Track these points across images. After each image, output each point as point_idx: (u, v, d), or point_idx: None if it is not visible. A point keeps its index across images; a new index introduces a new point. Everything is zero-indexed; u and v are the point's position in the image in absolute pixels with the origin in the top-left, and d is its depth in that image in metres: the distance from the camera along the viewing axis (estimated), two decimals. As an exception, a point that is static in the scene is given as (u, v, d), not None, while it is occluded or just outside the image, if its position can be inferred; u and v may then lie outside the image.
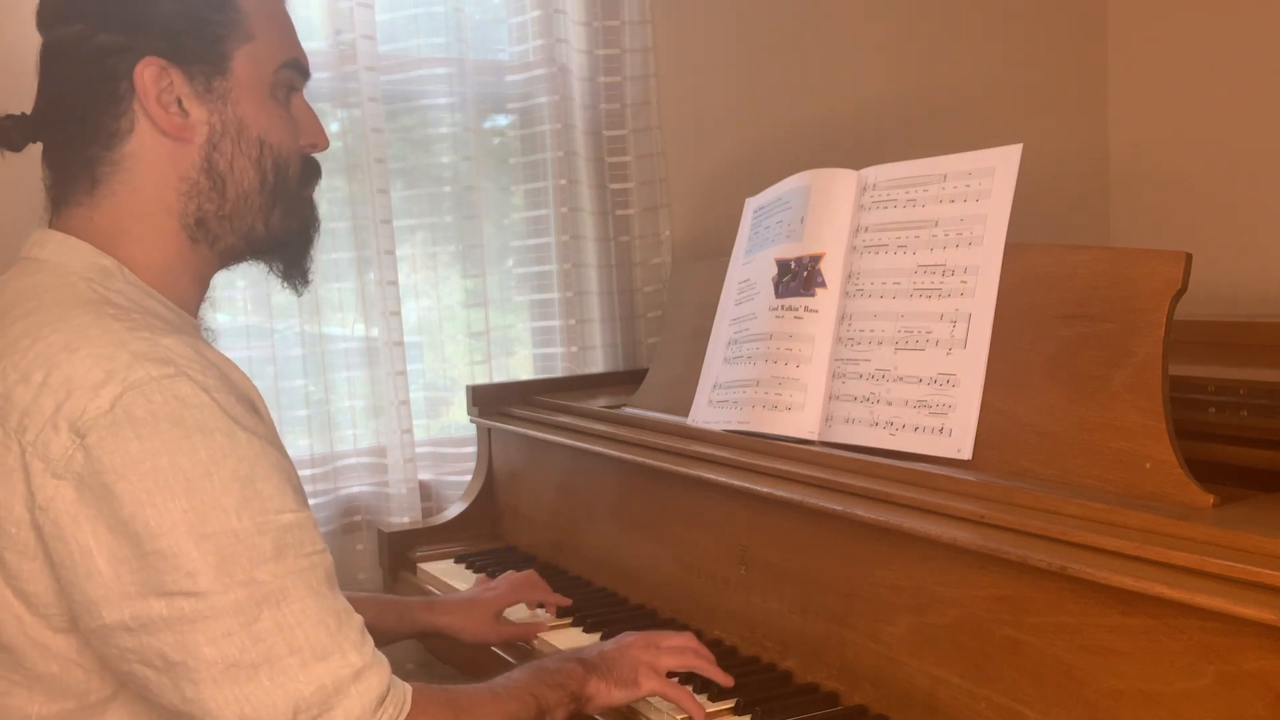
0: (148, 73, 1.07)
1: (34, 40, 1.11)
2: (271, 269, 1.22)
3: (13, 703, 1.01)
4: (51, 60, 1.11)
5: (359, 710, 0.98)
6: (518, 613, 1.64)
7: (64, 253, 1.08)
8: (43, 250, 1.09)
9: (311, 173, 1.21)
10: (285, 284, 1.23)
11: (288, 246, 1.20)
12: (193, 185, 1.11)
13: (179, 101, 1.09)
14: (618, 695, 1.25)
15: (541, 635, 1.56)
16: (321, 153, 1.22)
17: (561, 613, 1.63)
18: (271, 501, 0.98)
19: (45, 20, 1.11)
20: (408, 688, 1.04)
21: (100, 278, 1.06)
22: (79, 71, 1.09)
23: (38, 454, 0.95)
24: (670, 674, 1.30)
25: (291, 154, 1.16)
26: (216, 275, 1.20)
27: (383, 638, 1.53)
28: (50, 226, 1.12)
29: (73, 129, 1.10)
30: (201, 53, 1.09)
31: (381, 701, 1.00)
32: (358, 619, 1.03)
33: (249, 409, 1.03)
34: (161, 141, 1.09)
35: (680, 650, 1.31)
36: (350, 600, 1.49)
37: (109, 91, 1.08)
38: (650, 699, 1.29)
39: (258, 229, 1.16)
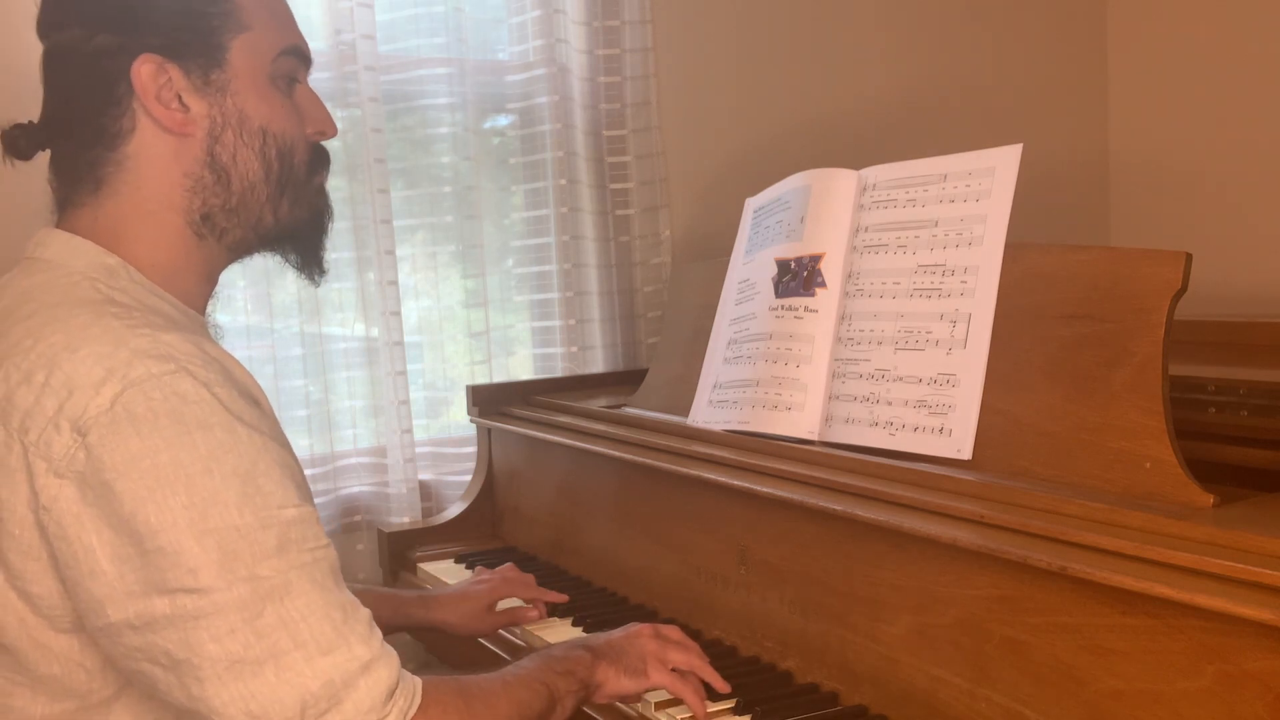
0: (144, 70, 1.07)
1: (37, 49, 1.11)
2: (286, 260, 1.22)
3: (15, 703, 1.01)
4: (53, 67, 1.11)
5: (368, 703, 0.97)
6: (510, 605, 1.63)
7: (68, 252, 1.08)
8: (46, 250, 1.09)
9: (320, 161, 1.21)
10: (302, 275, 1.23)
11: (300, 236, 1.20)
12: (197, 180, 1.11)
13: (179, 97, 1.09)
14: (626, 684, 1.25)
15: (538, 633, 1.56)
16: (329, 140, 1.22)
17: (561, 611, 1.63)
18: (273, 497, 0.98)
19: (45, 27, 1.11)
20: (418, 680, 1.03)
21: (105, 277, 1.06)
22: (79, 75, 1.09)
23: (40, 454, 0.95)
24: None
25: (297, 142, 1.16)
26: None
27: None
28: (55, 227, 1.11)
29: (77, 133, 1.10)
30: (197, 46, 1.09)
31: (391, 694, 0.99)
32: (365, 612, 1.02)
33: (251, 404, 1.03)
34: (164, 139, 1.09)
35: (685, 647, 1.31)
36: None
37: (108, 93, 1.08)
38: (646, 697, 1.29)
39: (266, 220, 1.15)
